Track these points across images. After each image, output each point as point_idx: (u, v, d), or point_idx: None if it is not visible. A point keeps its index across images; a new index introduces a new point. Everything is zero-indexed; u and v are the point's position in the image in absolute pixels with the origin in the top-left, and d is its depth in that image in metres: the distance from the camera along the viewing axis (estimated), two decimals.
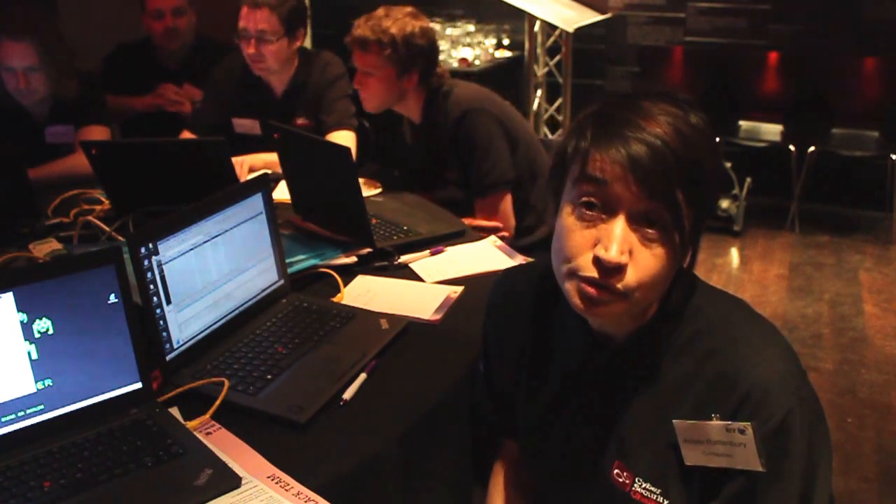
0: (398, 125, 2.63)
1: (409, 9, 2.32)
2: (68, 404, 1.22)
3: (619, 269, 0.98)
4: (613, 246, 0.97)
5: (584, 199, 1.00)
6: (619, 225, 0.98)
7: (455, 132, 2.32)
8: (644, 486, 1.08)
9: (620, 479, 1.10)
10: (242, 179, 2.55)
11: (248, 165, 2.60)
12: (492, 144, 2.30)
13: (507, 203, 2.36)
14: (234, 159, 2.61)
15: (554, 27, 4.58)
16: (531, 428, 1.23)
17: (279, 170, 2.16)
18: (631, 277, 0.98)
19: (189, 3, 3.26)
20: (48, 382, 1.20)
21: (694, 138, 0.99)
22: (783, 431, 0.99)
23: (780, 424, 0.99)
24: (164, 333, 1.36)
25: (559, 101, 4.87)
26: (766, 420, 0.99)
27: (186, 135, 2.81)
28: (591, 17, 4.48)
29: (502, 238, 2.08)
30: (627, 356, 1.10)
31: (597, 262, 0.98)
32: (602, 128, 1.00)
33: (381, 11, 2.30)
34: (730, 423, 1.00)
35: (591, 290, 1.00)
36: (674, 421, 1.04)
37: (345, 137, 2.68)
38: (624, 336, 1.10)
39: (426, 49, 2.31)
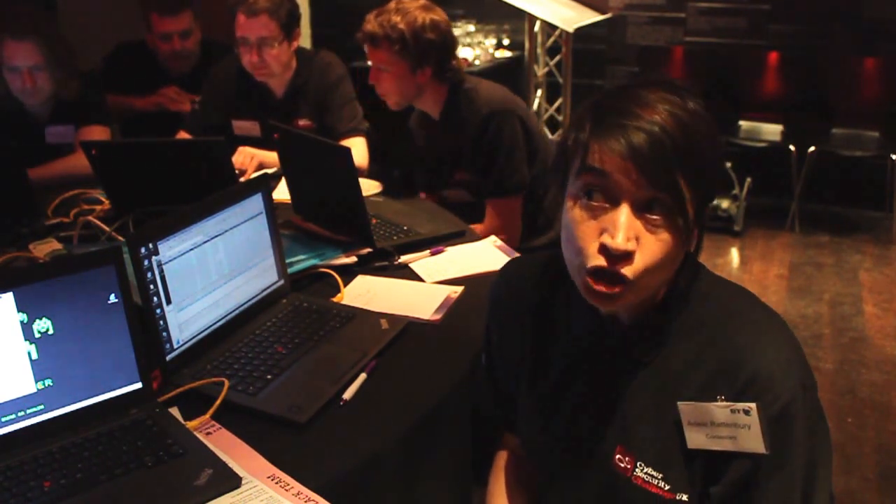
0: (405, 124, 2.59)
1: (422, 1, 2.26)
2: (68, 404, 1.22)
3: (627, 256, 0.98)
4: (620, 234, 0.98)
5: (587, 189, 1.00)
6: (623, 213, 0.98)
7: (481, 132, 2.26)
8: (645, 470, 1.08)
9: (622, 465, 1.10)
10: (250, 171, 2.55)
11: (257, 161, 2.59)
12: (516, 148, 2.26)
13: (518, 209, 2.33)
14: (244, 149, 2.61)
15: (554, 27, 4.57)
16: (533, 416, 1.23)
17: None
18: (639, 263, 0.99)
19: (194, 20, 3.21)
20: (48, 382, 1.20)
21: (691, 123, 0.99)
22: (787, 416, 1.00)
23: (784, 409, 0.99)
24: (164, 333, 1.36)
25: (559, 101, 4.86)
26: (771, 403, 0.99)
27: (182, 135, 2.81)
28: (591, 17, 4.48)
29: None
30: (633, 339, 1.10)
31: (604, 250, 0.99)
32: (600, 119, 1.00)
33: (392, 5, 2.24)
34: (734, 404, 1.00)
35: (601, 287, 1.00)
36: (678, 403, 1.05)
37: (357, 144, 2.66)
38: (631, 319, 1.11)
39: (437, 43, 2.23)
